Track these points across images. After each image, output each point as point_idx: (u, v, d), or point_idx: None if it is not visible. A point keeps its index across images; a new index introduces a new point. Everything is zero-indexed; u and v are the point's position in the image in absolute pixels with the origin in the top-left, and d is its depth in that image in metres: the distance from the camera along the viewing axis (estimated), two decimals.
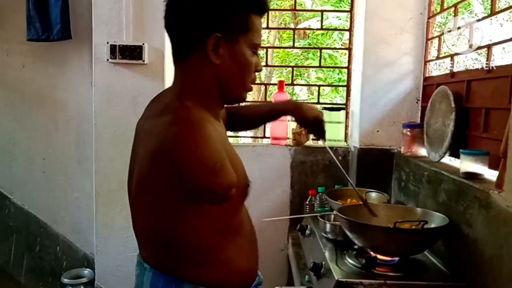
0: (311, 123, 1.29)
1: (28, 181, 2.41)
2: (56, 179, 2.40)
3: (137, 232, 1.01)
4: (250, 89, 1.03)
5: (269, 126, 2.34)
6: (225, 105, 1.06)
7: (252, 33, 0.96)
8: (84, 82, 2.31)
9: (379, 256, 1.35)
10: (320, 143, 1.39)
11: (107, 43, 2.12)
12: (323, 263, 1.41)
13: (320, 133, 1.33)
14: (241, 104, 1.26)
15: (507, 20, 1.46)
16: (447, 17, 2.32)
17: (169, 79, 2.21)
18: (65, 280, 2.25)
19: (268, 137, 2.35)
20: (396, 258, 1.36)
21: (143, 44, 2.12)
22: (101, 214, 2.23)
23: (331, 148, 2.21)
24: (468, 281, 1.24)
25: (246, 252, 1.01)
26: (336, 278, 1.25)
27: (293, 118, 1.35)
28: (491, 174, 1.29)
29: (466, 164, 1.34)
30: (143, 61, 2.13)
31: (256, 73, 1.04)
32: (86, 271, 2.34)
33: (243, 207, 1.03)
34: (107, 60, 2.13)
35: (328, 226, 1.61)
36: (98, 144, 2.20)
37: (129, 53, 2.13)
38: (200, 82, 0.96)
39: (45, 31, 2.21)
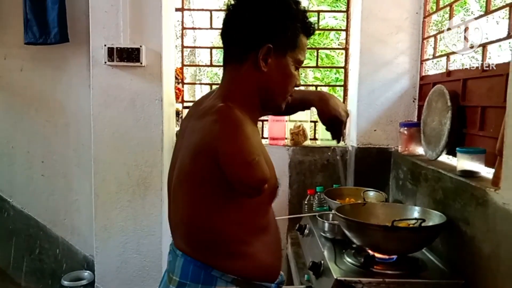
0: (328, 121, 1.25)
1: (28, 184, 2.42)
2: (55, 181, 2.41)
3: (173, 222, 1.09)
4: (289, 101, 1.11)
5: (267, 126, 2.35)
6: (264, 113, 1.13)
7: (299, 51, 1.06)
8: (82, 84, 2.32)
9: (377, 255, 1.36)
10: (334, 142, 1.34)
11: (105, 45, 2.13)
12: (322, 262, 1.42)
13: (335, 134, 1.28)
14: None
15: (503, 18, 1.47)
16: (443, 16, 2.33)
17: (166, 81, 2.22)
18: (65, 283, 2.26)
19: (266, 138, 2.36)
20: (395, 256, 1.37)
21: (141, 46, 2.13)
22: (100, 216, 2.23)
23: (329, 147, 2.25)
24: (466, 278, 1.25)
25: (271, 250, 1.08)
26: (335, 277, 1.26)
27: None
28: (487, 172, 1.30)
29: (462, 162, 1.35)
30: (141, 63, 2.14)
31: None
32: (86, 273, 2.34)
33: (271, 208, 1.11)
34: (105, 62, 2.13)
35: (326, 225, 1.62)
36: (97, 147, 2.20)
37: (126, 56, 2.13)
38: (245, 87, 1.04)
39: (42, 35, 2.21)
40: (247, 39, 1.03)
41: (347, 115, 1.28)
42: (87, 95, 2.23)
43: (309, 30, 1.07)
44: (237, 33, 1.04)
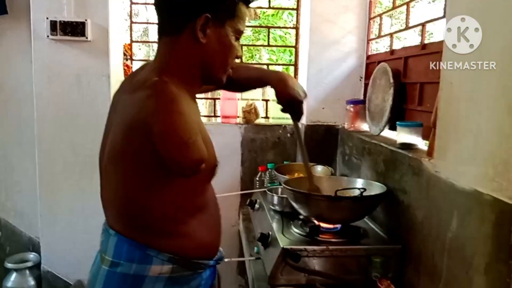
0: (287, 102, 1.25)
1: None
2: None
3: (105, 200, 1.05)
4: (230, 74, 1.08)
5: (219, 104, 2.34)
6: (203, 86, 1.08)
7: (238, 20, 1.02)
8: (22, 60, 2.19)
9: (322, 224, 1.42)
10: (290, 122, 1.33)
11: (47, 18, 2.03)
12: (270, 233, 1.46)
13: (295, 114, 1.29)
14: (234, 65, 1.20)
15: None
16: None
17: (114, 57, 2.15)
18: (9, 265, 2.17)
19: (218, 116, 2.36)
20: (339, 226, 1.43)
21: (86, 20, 2.05)
22: (45, 197, 2.16)
23: (280, 125, 2.29)
24: (403, 244, 1.33)
25: (209, 228, 1.07)
26: (282, 246, 1.30)
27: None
28: (424, 144, 1.39)
29: (402, 136, 1.43)
30: (86, 38, 2.06)
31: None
32: (32, 255, 2.26)
33: (209, 186, 1.08)
34: (47, 36, 2.04)
35: (275, 198, 1.66)
36: (40, 125, 2.11)
37: (71, 30, 2.04)
38: (183, 60, 1.00)
39: None
40: (183, 9, 0.98)
41: (305, 95, 1.28)
42: (28, 70, 2.13)
43: None
44: (172, 3, 1.00)
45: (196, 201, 1.03)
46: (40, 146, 2.12)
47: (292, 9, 2.63)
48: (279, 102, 1.27)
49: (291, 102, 1.25)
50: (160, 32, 1.02)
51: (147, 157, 0.91)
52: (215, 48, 1.00)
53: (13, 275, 2.19)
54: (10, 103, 2.26)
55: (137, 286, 0.97)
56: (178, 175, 0.94)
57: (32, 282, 2.20)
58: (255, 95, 2.33)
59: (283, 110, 1.29)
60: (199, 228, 1.03)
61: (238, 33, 1.04)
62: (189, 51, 0.99)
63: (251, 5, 1.06)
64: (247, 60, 4.18)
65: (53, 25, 2.03)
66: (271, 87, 1.27)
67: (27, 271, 2.19)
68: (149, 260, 0.96)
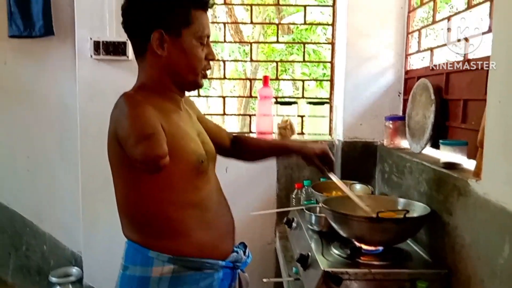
0: (318, 157, 1.33)
1: (12, 180, 2.39)
2: (40, 177, 2.38)
3: (118, 209, 1.13)
4: (205, 76, 1.15)
5: (254, 120, 2.36)
6: (185, 92, 1.18)
7: (197, 26, 1.08)
8: (67, 78, 2.29)
9: (363, 246, 1.39)
10: (333, 179, 1.39)
11: (90, 39, 2.12)
12: (309, 254, 1.44)
13: (326, 164, 1.35)
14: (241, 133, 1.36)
15: (486, 14, 1.50)
16: (429, 12, 2.36)
17: None
18: (53, 279, 2.24)
19: (254, 132, 2.37)
20: (380, 248, 1.39)
21: (127, 40, 2.10)
22: (87, 212, 2.22)
23: (315, 142, 2.27)
24: (449, 268, 1.28)
25: (209, 227, 1.11)
26: (323, 268, 1.27)
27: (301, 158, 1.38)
28: (469, 164, 1.34)
29: (445, 154, 1.38)
30: (127, 57, 2.13)
31: (211, 62, 1.16)
32: (74, 270, 2.33)
33: (206, 184, 1.12)
34: (91, 56, 2.12)
35: (313, 218, 1.64)
36: (83, 141, 2.19)
37: (113, 49, 2.12)
38: (152, 75, 1.10)
39: (27, 28, 2.19)
40: (137, 31, 1.08)
41: (327, 146, 1.37)
42: (73, 88, 2.21)
43: (200, 2, 1.09)
44: (128, 28, 1.10)
45: (188, 198, 1.08)
46: (83, 162, 2.19)
47: (328, 24, 2.62)
48: (310, 161, 1.34)
49: (320, 156, 1.33)
50: (135, 55, 1.13)
51: (124, 161, 1.01)
52: (177, 57, 1.08)
53: None
54: (55, 120, 2.36)
55: (144, 287, 1.04)
56: (146, 172, 0.99)
57: None
58: (291, 111, 2.33)
59: (318, 168, 1.35)
60: (196, 226, 1.08)
61: (201, 38, 1.10)
62: (155, 66, 1.09)
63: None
64: (280, 75, 4.20)
65: (96, 45, 2.12)
66: (295, 151, 1.37)
67: (70, 286, 2.25)
68: (150, 262, 1.04)
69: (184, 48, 1.08)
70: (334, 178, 1.38)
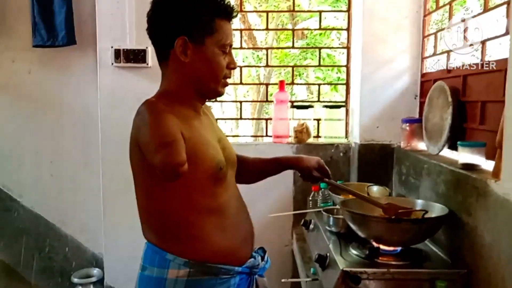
0: (315, 169, 1.36)
1: (36, 184, 2.46)
2: (63, 181, 2.45)
3: (138, 212, 1.16)
4: (226, 84, 1.17)
5: (271, 124, 2.39)
6: (206, 99, 1.21)
7: (220, 35, 1.10)
8: (89, 86, 2.35)
9: (382, 246, 1.40)
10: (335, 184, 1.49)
11: (112, 47, 2.18)
12: (328, 254, 1.46)
13: (324, 175, 1.38)
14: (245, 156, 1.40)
15: (502, 16, 1.51)
16: (443, 15, 2.37)
17: None
18: (75, 280, 2.30)
19: (270, 136, 2.40)
20: (399, 248, 1.40)
21: (147, 47, 2.18)
22: (108, 215, 2.27)
23: (332, 145, 2.29)
24: (468, 268, 1.28)
25: (228, 233, 1.12)
26: (341, 268, 1.29)
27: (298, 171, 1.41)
28: (488, 164, 1.34)
29: (464, 156, 1.39)
30: (147, 64, 2.19)
31: (232, 70, 1.18)
32: (95, 271, 2.38)
33: (224, 190, 1.14)
34: (112, 64, 2.19)
35: (331, 219, 1.66)
36: (105, 147, 2.25)
37: (133, 57, 2.18)
38: (175, 82, 1.13)
39: (50, 38, 2.26)
40: (162, 38, 1.10)
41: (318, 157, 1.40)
42: (94, 96, 2.28)
43: (225, 11, 1.11)
44: (153, 35, 1.13)
45: (205, 204, 1.10)
46: (105, 166, 2.25)
47: (342, 29, 2.64)
48: (307, 174, 1.37)
49: (317, 169, 1.36)
50: (158, 62, 1.15)
51: (145, 167, 1.04)
52: (200, 64, 1.10)
53: None
54: (78, 127, 2.42)
55: (160, 287, 1.06)
56: (165, 179, 1.00)
57: None
58: (306, 115, 2.36)
59: (316, 179, 1.39)
60: (213, 232, 1.10)
61: (223, 47, 1.12)
62: (178, 73, 1.12)
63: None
64: (295, 78, 4.22)
65: (117, 53, 2.18)
66: (294, 167, 1.39)
67: (91, 286, 2.31)
68: (167, 264, 1.07)
69: (207, 56, 1.10)
70: (335, 183, 1.46)
